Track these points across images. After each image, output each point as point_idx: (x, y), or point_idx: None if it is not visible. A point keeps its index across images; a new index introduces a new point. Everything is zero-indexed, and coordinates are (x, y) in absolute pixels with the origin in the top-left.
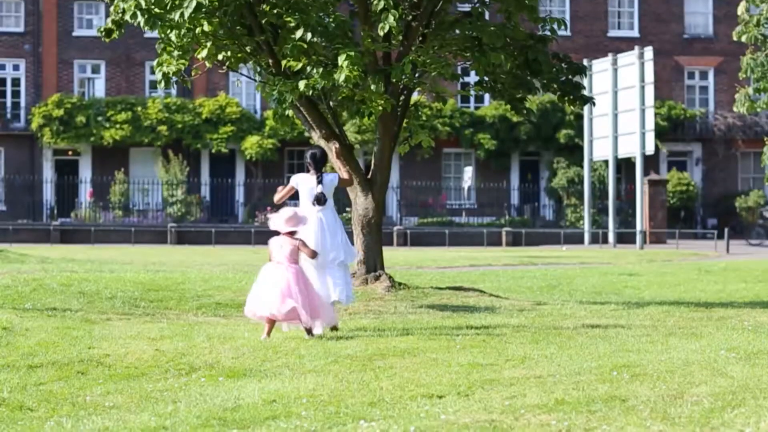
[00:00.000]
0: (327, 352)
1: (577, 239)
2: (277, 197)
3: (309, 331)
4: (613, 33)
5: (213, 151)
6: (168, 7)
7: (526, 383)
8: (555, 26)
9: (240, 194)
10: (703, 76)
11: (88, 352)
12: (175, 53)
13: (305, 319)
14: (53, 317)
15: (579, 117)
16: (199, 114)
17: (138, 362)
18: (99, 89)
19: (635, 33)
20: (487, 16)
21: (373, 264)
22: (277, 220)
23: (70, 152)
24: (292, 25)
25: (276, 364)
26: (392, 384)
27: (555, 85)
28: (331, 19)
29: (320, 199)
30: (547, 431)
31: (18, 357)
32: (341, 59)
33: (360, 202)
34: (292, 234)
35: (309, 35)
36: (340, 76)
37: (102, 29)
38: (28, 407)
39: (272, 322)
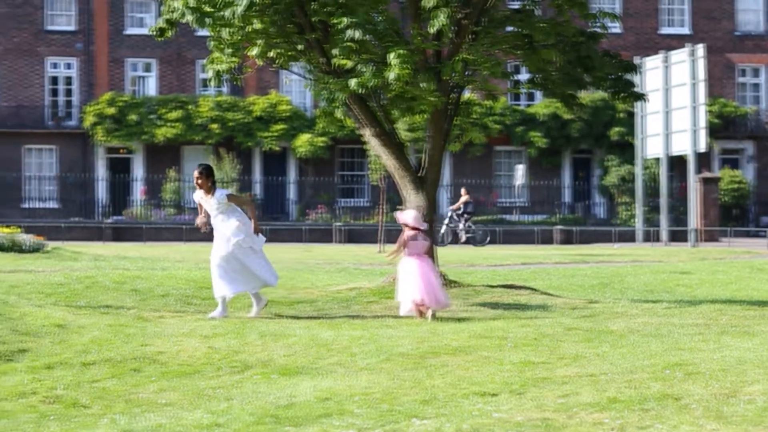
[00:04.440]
0: (380, 350)
1: (629, 237)
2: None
3: (434, 315)
4: (664, 30)
5: (264, 149)
6: (219, 6)
7: (579, 381)
8: (606, 22)
9: (292, 192)
10: (755, 73)
11: (142, 349)
12: (227, 51)
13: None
14: (107, 315)
15: (631, 114)
16: (251, 112)
17: (191, 360)
18: (151, 87)
19: (686, 30)
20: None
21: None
22: (406, 216)
23: (122, 150)
24: (342, 23)
25: (329, 362)
26: (445, 382)
27: (606, 82)
28: (381, 18)
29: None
30: (601, 429)
31: (72, 354)
32: (392, 57)
33: (411, 200)
34: (418, 230)
35: (359, 33)
36: (391, 74)
37: (154, 28)
38: (83, 404)
39: (421, 308)
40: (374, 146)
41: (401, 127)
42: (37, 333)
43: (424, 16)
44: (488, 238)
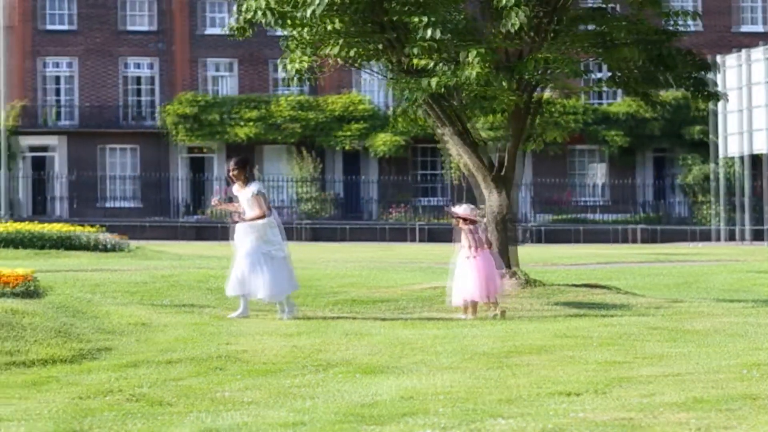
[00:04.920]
0: (462, 349)
1: (708, 236)
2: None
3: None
4: (739, 28)
5: (342, 148)
6: (297, 6)
7: (663, 381)
8: (684, 20)
9: (371, 191)
10: None
11: (225, 347)
12: (305, 50)
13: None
14: (190, 313)
15: (709, 113)
16: (329, 111)
17: (275, 358)
18: (230, 87)
19: (760, 28)
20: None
21: (506, 261)
22: (461, 210)
23: (203, 149)
24: (420, 22)
25: (411, 361)
26: (528, 381)
27: (685, 81)
28: (459, 16)
29: None
30: (685, 429)
31: (156, 352)
32: (471, 56)
33: (491, 199)
34: (473, 223)
35: (437, 33)
36: (470, 73)
37: (233, 27)
38: (167, 402)
39: (475, 305)
40: (452, 145)
41: (480, 126)
42: (121, 331)
43: (501, 14)
44: (529, 238)
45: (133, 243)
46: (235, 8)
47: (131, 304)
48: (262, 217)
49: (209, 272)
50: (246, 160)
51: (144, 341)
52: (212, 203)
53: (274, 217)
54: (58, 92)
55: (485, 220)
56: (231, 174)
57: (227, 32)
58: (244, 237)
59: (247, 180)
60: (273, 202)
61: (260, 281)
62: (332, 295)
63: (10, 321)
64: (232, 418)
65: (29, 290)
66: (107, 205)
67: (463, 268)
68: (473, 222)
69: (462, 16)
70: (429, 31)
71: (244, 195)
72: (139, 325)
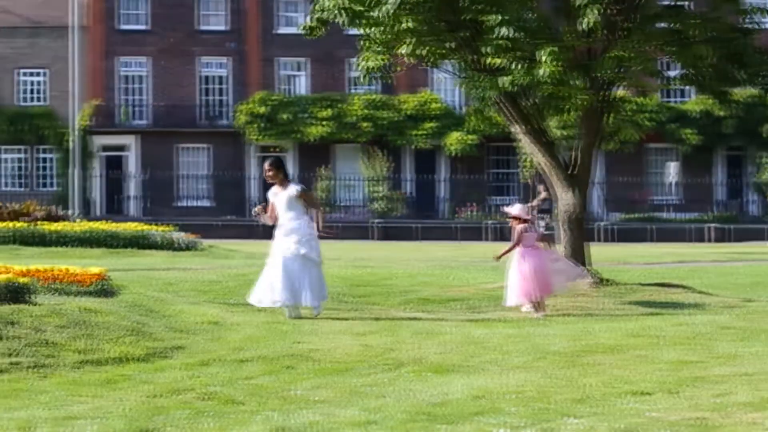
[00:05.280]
0: (533, 349)
1: None
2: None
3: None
4: None
5: (415, 147)
6: (369, 5)
7: (735, 381)
8: (760, 18)
9: (443, 190)
10: None
11: (296, 346)
12: (378, 49)
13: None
14: (261, 312)
15: None
16: (401, 110)
17: (345, 357)
18: (302, 86)
19: None
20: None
21: (577, 260)
22: (515, 210)
23: (274, 149)
24: (493, 21)
25: (482, 360)
26: (599, 380)
27: (760, 79)
28: (531, 15)
29: None
30: (757, 429)
31: (227, 351)
32: (543, 55)
33: (563, 198)
34: (526, 222)
35: (510, 31)
36: (542, 72)
37: (305, 27)
38: (238, 401)
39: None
40: (525, 144)
41: (553, 125)
42: (193, 330)
43: (575, 12)
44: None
45: (206, 242)
46: (311, 7)
47: (203, 302)
48: (322, 210)
49: None
50: (281, 160)
51: (215, 340)
52: (255, 211)
53: (308, 224)
54: (131, 92)
55: (544, 219)
56: (267, 175)
57: (301, 32)
58: (286, 240)
59: (284, 180)
60: (342, 201)
61: (305, 286)
62: (403, 294)
63: (83, 319)
64: (302, 416)
65: (102, 289)
66: (181, 204)
67: (516, 268)
68: (526, 221)
69: (535, 15)
70: (503, 30)
71: (283, 196)
72: (210, 324)
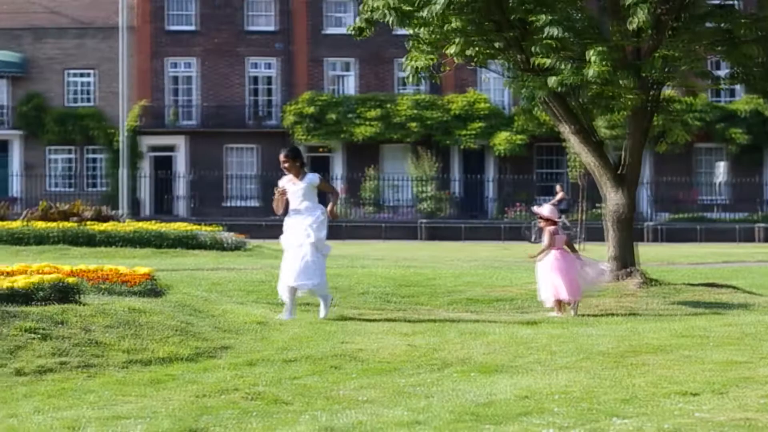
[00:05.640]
0: (579, 349)
1: None
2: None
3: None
4: None
5: (463, 147)
6: (417, 5)
7: None
8: None
9: (491, 190)
10: None
11: (342, 346)
12: (425, 49)
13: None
14: (306, 312)
15: None
16: (449, 110)
17: (391, 357)
18: (349, 87)
19: None
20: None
21: (625, 260)
22: (544, 210)
23: (321, 149)
24: (541, 21)
25: (528, 360)
26: (645, 381)
27: None
28: (579, 15)
29: None
30: None
31: (273, 351)
32: (591, 54)
33: (611, 197)
34: (554, 223)
35: (558, 31)
36: (590, 72)
37: (353, 27)
38: (284, 401)
39: (560, 302)
40: (573, 144)
41: (601, 125)
42: (239, 330)
43: (623, 12)
44: (583, 237)
45: (253, 242)
46: (360, 8)
47: (250, 302)
48: (336, 195)
49: (327, 271)
50: (297, 150)
51: (261, 340)
52: (278, 191)
53: (322, 212)
54: (179, 92)
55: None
56: (283, 165)
57: (349, 32)
58: (301, 230)
59: (301, 171)
60: (389, 201)
61: (306, 270)
62: (449, 294)
63: (131, 319)
64: (348, 416)
65: (149, 289)
66: (228, 204)
67: (545, 268)
68: (555, 223)
69: (582, 15)
70: (551, 30)
71: (300, 186)
72: (257, 324)
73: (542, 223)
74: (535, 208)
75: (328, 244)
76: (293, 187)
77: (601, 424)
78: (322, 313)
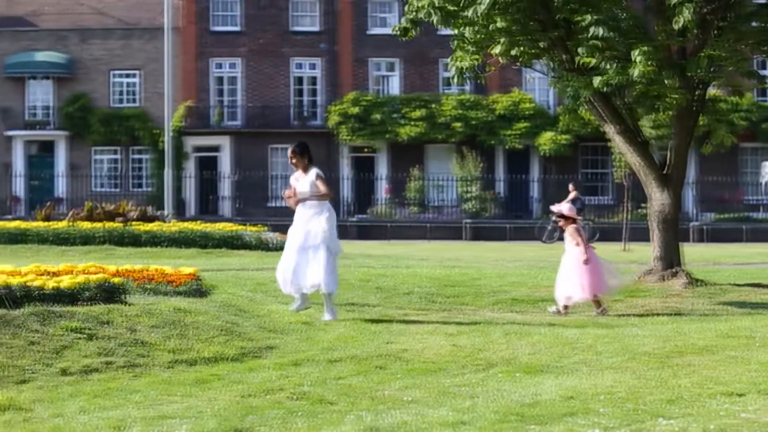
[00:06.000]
0: (624, 349)
1: None
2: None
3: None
4: None
5: (507, 147)
6: (462, 5)
7: None
8: None
9: (535, 190)
10: None
11: (387, 347)
12: (470, 49)
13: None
14: (351, 312)
15: None
16: (493, 110)
17: (436, 357)
18: (394, 87)
19: None
20: None
21: (670, 260)
22: (564, 207)
23: (366, 149)
24: (586, 21)
25: (573, 360)
26: (691, 381)
27: None
28: (624, 14)
29: None
30: None
31: (318, 351)
32: (635, 54)
33: (656, 198)
34: (574, 221)
35: (603, 31)
36: (635, 72)
37: (398, 28)
38: (328, 401)
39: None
40: (618, 144)
41: (645, 124)
42: (284, 330)
43: (668, 12)
44: (597, 236)
45: None
46: (405, 8)
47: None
48: (327, 196)
49: (371, 271)
50: (305, 145)
51: (306, 340)
52: (286, 194)
53: (328, 209)
54: (224, 93)
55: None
56: (291, 161)
57: (394, 33)
58: (302, 225)
59: (308, 166)
60: (433, 201)
61: (313, 271)
62: (493, 295)
63: (176, 319)
64: (393, 417)
65: (194, 289)
66: (272, 204)
67: (570, 266)
68: (575, 220)
69: (627, 14)
70: (594, 29)
71: (305, 181)
72: (302, 324)
73: (562, 223)
74: (554, 207)
75: (339, 244)
76: (300, 183)
77: (646, 425)
78: (326, 317)
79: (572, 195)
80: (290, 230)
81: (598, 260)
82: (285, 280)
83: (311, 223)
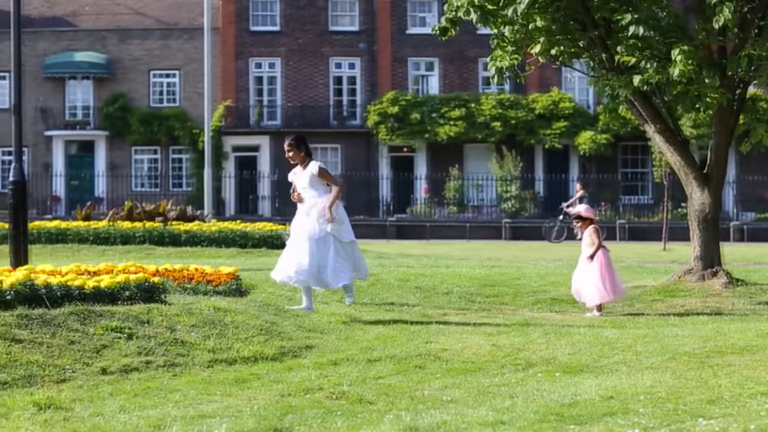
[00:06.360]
0: (664, 349)
1: None
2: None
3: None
4: None
5: (546, 146)
6: (502, 4)
7: None
8: None
9: (574, 190)
10: None
11: (426, 346)
12: (509, 49)
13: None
14: (390, 311)
15: None
16: (533, 109)
17: (475, 357)
18: (433, 86)
19: None
20: None
21: (710, 260)
22: (581, 208)
23: (405, 149)
24: (625, 20)
25: (612, 360)
26: (731, 381)
27: None
28: (664, 13)
29: None
30: None
31: (357, 351)
32: (675, 53)
33: (696, 197)
34: (591, 222)
35: (642, 30)
36: (675, 71)
37: (437, 27)
38: (368, 400)
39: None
40: (658, 143)
41: (685, 124)
42: (323, 329)
43: (708, 11)
44: (603, 236)
45: None
46: (444, 7)
47: (333, 302)
48: (341, 189)
49: (411, 270)
50: (302, 138)
51: (345, 339)
52: (293, 197)
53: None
54: (263, 92)
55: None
56: (288, 155)
57: (433, 32)
58: (306, 219)
59: (306, 159)
60: (472, 201)
61: (328, 266)
62: (533, 294)
63: (214, 319)
64: (432, 416)
65: (233, 289)
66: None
67: (587, 268)
68: (591, 221)
69: (667, 13)
70: (633, 28)
71: (304, 175)
72: (341, 323)
73: (579, 224)
74: (571, 210)
75: (348, 230)
76: (298, 177)
77: (687, 425)
78: (348, 300)
79: (579, 194)
80: (292, 223)
81: (611, 264)
82: (283, 270)
83: (311, 215)
